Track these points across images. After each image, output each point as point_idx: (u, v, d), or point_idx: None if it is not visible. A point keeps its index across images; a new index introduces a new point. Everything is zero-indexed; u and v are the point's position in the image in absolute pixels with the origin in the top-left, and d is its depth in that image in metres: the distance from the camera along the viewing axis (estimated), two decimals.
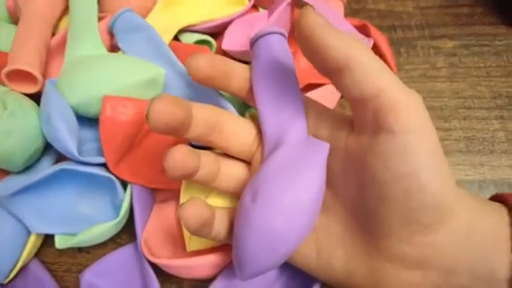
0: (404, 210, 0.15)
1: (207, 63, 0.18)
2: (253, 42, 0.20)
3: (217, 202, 0.21)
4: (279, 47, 0.19)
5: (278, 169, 0.17)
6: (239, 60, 0.20)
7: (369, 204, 0.16)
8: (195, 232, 0.18)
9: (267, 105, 0.19)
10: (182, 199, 0.22)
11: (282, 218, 0.16)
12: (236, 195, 0.21)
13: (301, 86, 0.27)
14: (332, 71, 0.15)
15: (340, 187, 0.18)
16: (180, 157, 0.17)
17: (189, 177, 0.18)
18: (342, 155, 0.17)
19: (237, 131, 0.20)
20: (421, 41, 0.32)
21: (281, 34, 0.20)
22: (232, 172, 0.20)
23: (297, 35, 0.16)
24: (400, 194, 0.15)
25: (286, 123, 0.18)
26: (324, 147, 0.17)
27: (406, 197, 0.15)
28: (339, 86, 0.16)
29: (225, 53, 0.27)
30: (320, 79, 0.27)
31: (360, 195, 0.17)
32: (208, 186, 0.20)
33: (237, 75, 0.19)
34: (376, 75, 0.15)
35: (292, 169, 0.17)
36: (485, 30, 0.32)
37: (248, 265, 0.17)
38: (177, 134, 0.18)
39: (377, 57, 0.15)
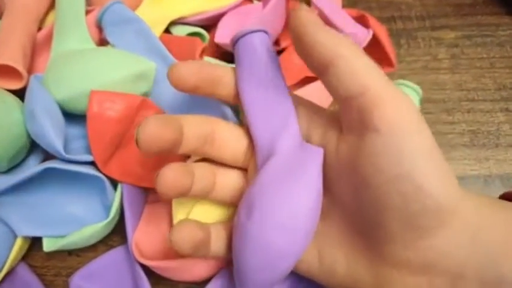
0: (403, 215, 0.14)
1: (190, 72, 0.17)
2: (234, 43, 0.19)
3: (209, 207, 0.21)
4: (261, 48, 0.18)
5: (272, 181, 0.16)
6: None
7: (366, 209, 0.15)
8: (190, 255, 0.17)
9: (255, 112, 0.18)
10: (174, 203, 0.21)
11: (280, 233, 0.15)
12: (233, 204, 0.20)
13: (297, 79, 0.26)
14: (319, 68, 0.15)
15: (336, 192, 0.17)
16: (171, 177, 0.17)
17: (183, 195, 0.18)
18: (334, 158, 0.17)
19: (229, 140, 0.19)
20: (421, 32, 0.31)
21: (263, 32, 0.18)
22: (228, 182, 0.19)
23: (290, 32, 0.16)
24: (396, 198, 0.14)
25: (277, 129, 0.17)
26: (318, 153, 0.16)
27: (403, 201, 0.14)
28: (326, 85, 0.16)
29: (218, 46, 0.26)
30: None
31: (357, 200, 0.16)
32: (205, 199, 0.19)
33: (223, 82, 0.18)
34: (362, 73, 0.14)
35: (287, 180, 0.16)
36: (488, 20, 0.31)
37: (250, 283, 0.16)
38: (169, 153, 0.17)
39: (366, 55, 0.15)
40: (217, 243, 0.18)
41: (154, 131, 0.16)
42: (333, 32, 0.15)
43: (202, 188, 0.18)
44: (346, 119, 0.16)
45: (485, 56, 0.30)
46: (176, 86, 0.18)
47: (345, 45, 0.15)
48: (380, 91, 0.14)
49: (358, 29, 0.27)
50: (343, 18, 0.27)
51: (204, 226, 0.18)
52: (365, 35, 0.27)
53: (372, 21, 0.28)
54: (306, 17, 0.15)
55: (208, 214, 0.20)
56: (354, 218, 0.16)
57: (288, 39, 0.28)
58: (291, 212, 0.15)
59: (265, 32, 0.18)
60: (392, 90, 0.14)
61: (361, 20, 0.29)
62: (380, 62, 0.29)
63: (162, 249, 0.22)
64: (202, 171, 0.18)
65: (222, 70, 0.19)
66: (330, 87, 0.15)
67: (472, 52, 0.30)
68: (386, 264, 0.15)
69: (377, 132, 0.14)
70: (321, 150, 0.17)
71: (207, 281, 0.21)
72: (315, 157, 0.16)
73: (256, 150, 0.18)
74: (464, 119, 0.27)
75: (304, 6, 0.16)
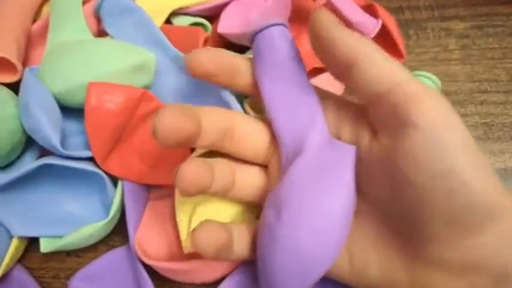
0: (447, 212, 0.13)
1: (208, 58, 0.17)
2: (252, 38, 0.18)
3: (213, 206, 0.20)
4: (281, 41, 0.17)
5: (302, 180, 0.15)
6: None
7: (405, 207, 0.14)
8: (213, 258, 0.16)
9: (277, 108, 0.17)
10: (177, 202, 0.20)
11: (313, 235, 0.14)
12: (253, 203, 0.19)
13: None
14: (342, 68, 0.15)
15: (369, 191, 0.16)
16: (192, 173, 0.16)
17: (203, 192, 0.17)
18: (367, 155, 0.16)
19: (250, 135, 0.18)
20: (430, 23, 0.30)
21: (281, 25, 0.18)
22: (248, 179, 0.19)
23: (309, 34, 0.16)
24: (440, 195, 0.13)
25: (303, 126, 0.17)
26: (350, 151, 0.16)
27: (447, 197, 0.13)
28: (351, 85, 0.15)
29: (221, 37, 0.25)
30: None
31: (394, 198, 0.15)
32: (224, 197, 0.18)
33: (241, 71, 0.18)
34: (389, 69, 0.14)
35: (318, 178, 0.15)
36: (499, 10, 0.30)
37: None
38: (186, 146, 0.16)
39: (387, 54, 0.15)
40: (240, 245, 0.17)
41: (172, 121, 0.15)
42: (353, 32, 0.15)
43: (223, 185, 0.17)
44: (378, 117, 0.15)
45: (496, 46, 0.29)
46: (194, 73, 0.17)
47: (366, 43, 0.15)
48: (411, 86, 0.14)
49: (367, 18, 0.26)
50: (351, 7, 0.26)
51: (226, 227, 0.17)
52: (374, 25, 0.26)
53: (381, 10, 0.27)
54: (326, 17, 0.15)
55: (213, 213, 0.20)
56: (389, 217, 0.16)
57: (294, 31, 0.27)
58: (324, 212, 0.14)
59: (285, 25, 0.18)
60: (421, 84, 0.14)
61: (370, 10, 0.28)
62: (389, 53, 0.28)
63: (166, 249, 0.21)
64: (220, 167, 0.18)
65: (240, 59, 0.18)
66: (357, 87, 0.15)
67: (483, 43, 0.29)
68: (426, 265, 0.15)
69: (415, 128, 0.13)
70: (353, 148, 0.16)
71: (213, 282, 0.21)
72: (347, 155, 0.15)
73: (281, 147, 0.17)
74: (477, 111, 0.26)
75: (323, 8, 0.16)
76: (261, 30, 0.18)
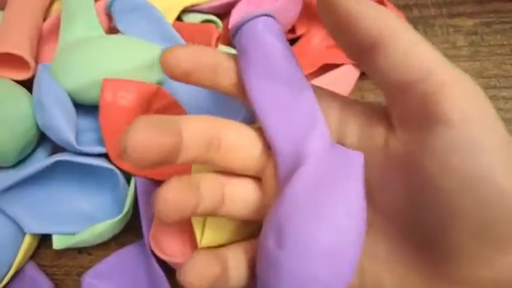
0: (479, 223, 0.11)
1: (186, 56, 0.15)
2: (234, 34, 0.16)
3: None
4: (267, 34, 0.15)
5: (304, 197, 0.13)
6: None
7: (426, 215, 0.12)
8: None
9: (269, 111, 0.15)
10: None
11: (324, 259, 0.12)
12: (248, 219, 0.17)
13: (315, 68, 0.25)
14: (364, 48, 0.13)
15: (380, 198, 0.14)
16: (172, 198, 0.14)
17: (189, 215, 0.14)
18: (380, 159, 0.14)
19: (239, 145, 0.15)
20: (439, 20, 0.30)
21: (267, 16, 0.15)
22: (240, 195, 0.16)
23: (320, 5, 0.13)
24: (472, 203, 0.11)
25: (301, 131, 0.14)
26: (358, 158, 0.14)
27: (481, 206, 0.11)
28: (372, 68, 0.13)
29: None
30: (334, 59, 0.25)
31: (413, 204, 0.13)
32: (215, 216, 0.16)
33: (223, 68, 0.16)
34: (420, 52, 0.12)
35: (323, 195, 0.13)
36: (507, 7, 0.30)
37: None
38: (166, 163, 0.13)
39: (417, 33, 0.13)
40: (237, 272, 0.15)
41: (146, 135, 0.12)
42: (377, 5, 0.12)
43: (212, 204, 0.15)
44: (401, 110, 0.13)
45: (505, 42, 0.29)
46: (170, 73, 0.15)
47: (392, 19, 0.12)
48: (445, 74, 0.12)
49: None
50: None
51: (220, 255, 0.15)
52: None
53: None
54: None
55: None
56: (405, 228, 0.13)
57: (304, 26, 0.27)
58: (334, 232, 0.12)
59: (270, 16, 0.15)
60: (456, 72, 0.12)
61: None
62: None
63: (180, 245, 0.21)
64: (208, 184, 0.15)
65: (221, 55, 0.16)
66: (379, 72, 0.13)
67: (491, 39, 0.29)
68: (448, 283, 0.13)
69: (447, 124, 0.11)
70: (360, 155, 0.14)
71: None
72: (354, 163, 0.14)
73: (276, 156, 0.15)
74: None
75: None
76: (243, 23, 0.15)
